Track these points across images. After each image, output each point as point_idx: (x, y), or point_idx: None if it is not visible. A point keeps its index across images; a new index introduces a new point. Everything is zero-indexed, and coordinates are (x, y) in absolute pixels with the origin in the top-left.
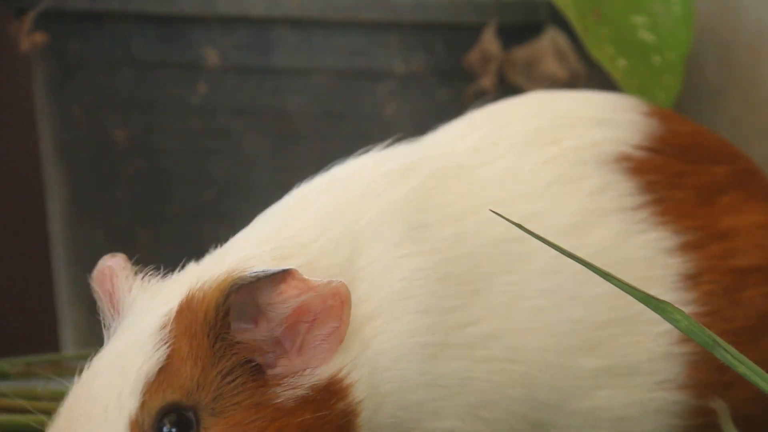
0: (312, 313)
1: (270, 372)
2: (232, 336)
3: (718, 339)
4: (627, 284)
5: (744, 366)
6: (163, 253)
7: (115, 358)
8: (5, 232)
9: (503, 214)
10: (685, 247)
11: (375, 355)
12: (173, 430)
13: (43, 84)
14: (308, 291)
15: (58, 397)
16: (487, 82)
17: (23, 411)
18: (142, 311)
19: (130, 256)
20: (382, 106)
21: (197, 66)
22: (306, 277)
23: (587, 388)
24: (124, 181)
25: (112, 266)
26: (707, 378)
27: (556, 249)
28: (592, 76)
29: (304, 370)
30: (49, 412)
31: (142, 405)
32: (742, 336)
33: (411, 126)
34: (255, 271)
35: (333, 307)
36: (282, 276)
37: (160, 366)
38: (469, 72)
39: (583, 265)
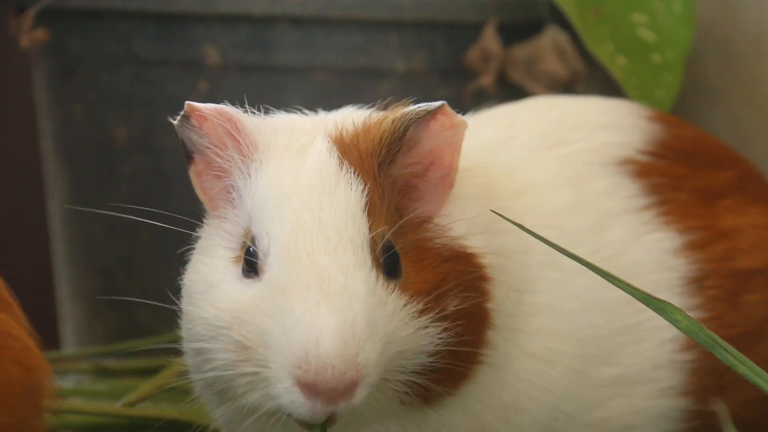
0: (433, 156)
1: (409, 214)
2: (393, 172)
3: (719, 339)
4: (628, 285)
5: (744, 366)
6: (164, 251)
7: (321, 192)
8: (5, 230)
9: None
10: (689, 247)
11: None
12: (385, 256)
13: (44, 82)
14: (451, 128)
15: (59, 395)
16: (487, 80)
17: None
18: (296, 152)
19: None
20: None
21: (198, 64)
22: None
23: (602, 398)
24: (125, 178)
25: (227, 109)
26: (705, 383)
27: (568, 255)
28: (592, 76)
29: (432, 217)
30: (50, 411)
31: (371, 230)
32: (741, 341)
33: None
34: (419, 105)
35: (447, 155)
36: (435, 112)
37: (366, 200)
38: (469, 70)
39: (585, 266)
